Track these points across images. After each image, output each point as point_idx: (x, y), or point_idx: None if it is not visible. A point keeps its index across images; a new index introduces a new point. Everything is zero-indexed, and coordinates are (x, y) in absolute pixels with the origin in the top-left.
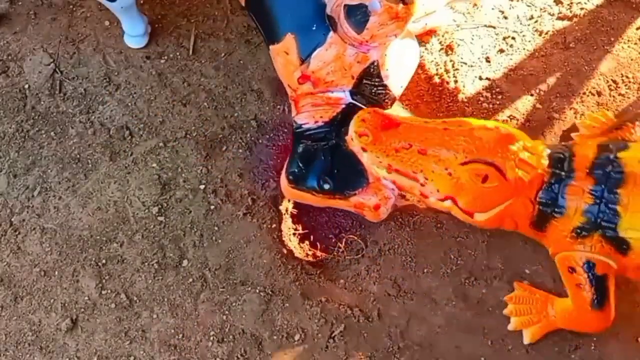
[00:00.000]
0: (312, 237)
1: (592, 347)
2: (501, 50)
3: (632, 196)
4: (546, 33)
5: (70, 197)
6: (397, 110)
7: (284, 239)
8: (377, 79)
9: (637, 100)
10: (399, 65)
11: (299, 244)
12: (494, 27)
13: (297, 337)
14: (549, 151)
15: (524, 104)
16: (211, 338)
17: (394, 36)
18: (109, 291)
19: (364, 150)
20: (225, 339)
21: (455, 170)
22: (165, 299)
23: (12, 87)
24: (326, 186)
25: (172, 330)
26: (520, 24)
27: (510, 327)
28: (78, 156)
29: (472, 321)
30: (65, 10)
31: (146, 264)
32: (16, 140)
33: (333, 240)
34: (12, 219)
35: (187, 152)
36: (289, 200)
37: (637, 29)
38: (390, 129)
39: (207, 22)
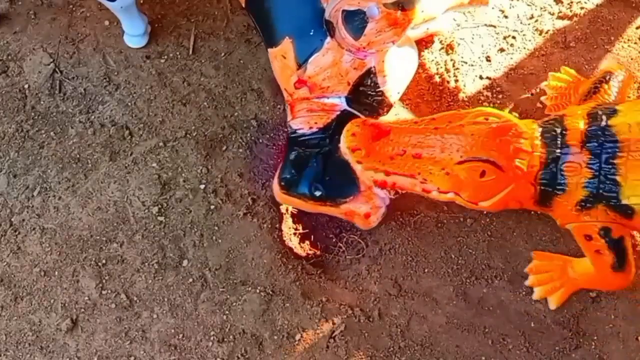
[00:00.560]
0: (312, 236)
1: (593, 346)
2: (502, 50)
3: (629, 164)
4: (546, 32)
5: (70, 197)
6: (395, 111)
7: (284, 238)
8: (373, 86)
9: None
10: (396, 72)
11: (299, 243)
12: (495, 27)
13: (297, 337)
14: (540, 129)
15: (525, 103)
16: (211, 338)
17: (392, 43)
18: (109, 291)
19: (360, 163)
20: (225, 339)
21: (452, 169)
22: (166, 299)
23: (12, 87)
24: (317, 193)
25: (173, 330)
26: (521, 23)
27: (535, 296)
28: (78, 156)
29: (473, 320)
30: (65, 10)
31: (146, 264)
32: (16, 140)
33: (333, 240)
34: (12, 219)
35: (187, 151)
36: None
37: (637, 28)
38: (382, 138)
39: (207, 21)
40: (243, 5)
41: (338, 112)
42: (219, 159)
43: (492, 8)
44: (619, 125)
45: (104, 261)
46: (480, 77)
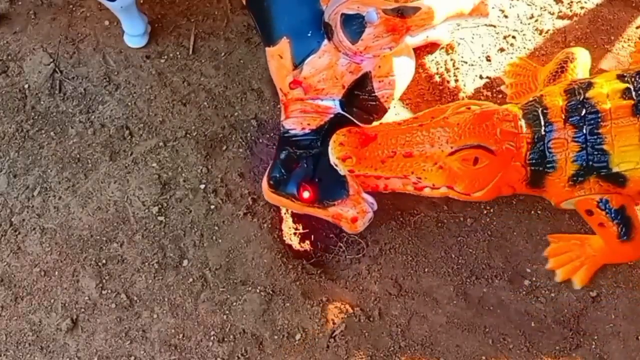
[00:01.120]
0: (312, 236)
1: (593, 346)
2: (502, 49)
3: (614, 132)
4: (546, 32)
5: (70, 197)
6: (396, 111)
7: (284, 238)
8: (368, 91)
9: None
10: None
11: (299, 243)
12: (495, 26)
13: (298, 337)
14: (522, 112)
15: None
16: (212, 338)
17: (389, 49)
18: (109, 291)
19: (352, 172)
20: (225, 339)
21: (445, 162)
22: (166, 299)
23: (12, 87)
24: (305, 194)
25: (173, 330)
26: (521, 23)
27: (557, 278)
28: (78, 156)
29: (473, 320)
30: (65, 10)
31: (146, 263)
32: (16, 140)
33: (334, 240)
34: (12, 219)
35: (187, 151)
36: None
37: (637, 27)
38: (370, 143)
39: (207, 21)
40: (244, 2)
41: (331, 115)
42: (219, 158)
43: (492, 8)
44: (597, 96)
45: (104, 261)
46: (480, 77)
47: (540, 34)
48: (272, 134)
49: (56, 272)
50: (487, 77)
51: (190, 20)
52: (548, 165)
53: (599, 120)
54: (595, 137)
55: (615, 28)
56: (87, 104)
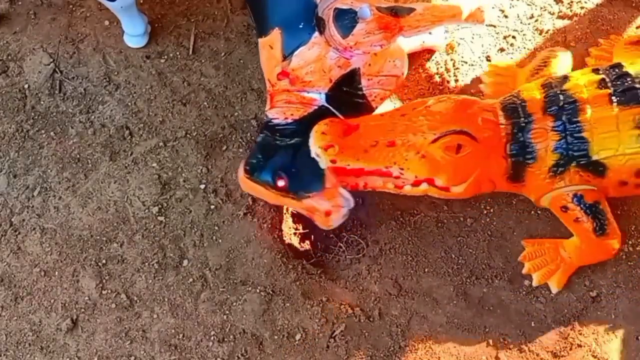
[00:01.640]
0: (312, 236)
1: (593, 346)
2: (502, 49)
3: (593, 119)
4: (546, 32)
5: (70, 197)
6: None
7: (284, 238)
8: (356, 88)
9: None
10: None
11: (299, 243)
12: (495, 26)
13: (298, 337)
14: (500, 105)
15: None
16: (212, 338)
17: (380, 47)
18: (109, 291)
19: (334, 162)
20: (225, 339)
21: (427, 150)
22: (166, 299)
23: (12, 87)
24: (280, 183)
25: (173, 330)
26: (521, 22)
27: (534, 283)
28: (78, 156)
29: (473, 320)
30: (65, 10)
31: (146, 264)
32: (16, 140)
33: (334, 240)
34: (12, 219)
35: (187, 151)
36: None
37: (637, 27)
38: (352, 133)
39: (207, 21)
40: None
41: (315, 107)
42: (219, 158)
43: (492, 8)
44: (574, 87)
45: (104, 261)
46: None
47: (540, 34)
48: None
49: (56, 272)
50: None
51: (190, 20)
52: (528, 156)
53: (578, 109)
54: (575, 125)
55: (615, 28)
56: (87, 104)
